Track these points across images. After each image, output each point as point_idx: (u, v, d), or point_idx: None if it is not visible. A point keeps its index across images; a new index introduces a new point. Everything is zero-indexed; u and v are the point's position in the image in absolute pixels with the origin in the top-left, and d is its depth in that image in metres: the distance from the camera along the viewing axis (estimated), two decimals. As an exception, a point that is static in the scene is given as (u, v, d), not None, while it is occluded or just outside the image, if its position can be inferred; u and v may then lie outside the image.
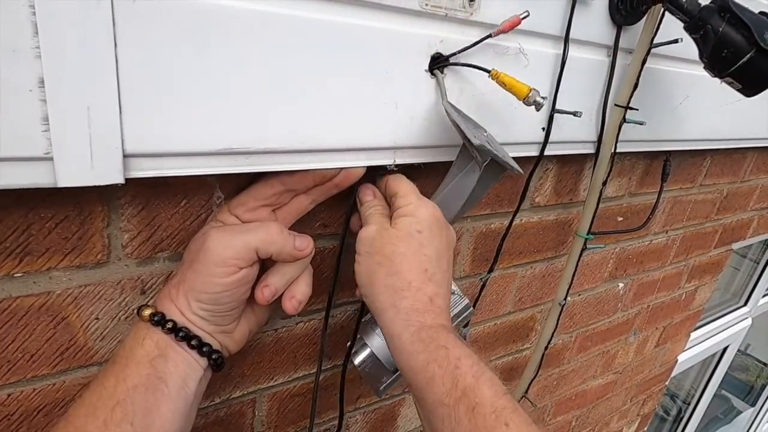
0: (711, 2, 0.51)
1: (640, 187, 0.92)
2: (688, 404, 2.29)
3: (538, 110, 0.46)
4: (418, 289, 0.44)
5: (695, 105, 0.79)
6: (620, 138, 0.68)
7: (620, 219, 0.94)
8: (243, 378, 0.59)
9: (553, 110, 0.60)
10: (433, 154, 0.53)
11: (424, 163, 0.53)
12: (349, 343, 0.58)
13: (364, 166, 0.48)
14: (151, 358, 0.40)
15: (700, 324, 1.68)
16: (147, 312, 0.42)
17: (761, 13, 0.51)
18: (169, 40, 0.35)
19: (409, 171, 0.52)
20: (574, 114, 0.60)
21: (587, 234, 0.75)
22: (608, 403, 1.36)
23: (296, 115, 0.42)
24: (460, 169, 0.49)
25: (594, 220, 0.75)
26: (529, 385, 0.89)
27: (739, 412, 3.13)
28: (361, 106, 0.46)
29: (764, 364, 3.21)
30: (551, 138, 0.62)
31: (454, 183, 0.50)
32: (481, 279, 0.74)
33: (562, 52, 0.57)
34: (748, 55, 0.49)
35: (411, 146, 0.51)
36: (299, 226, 0.50)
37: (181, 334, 0.41)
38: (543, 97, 0.45)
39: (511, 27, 0.48)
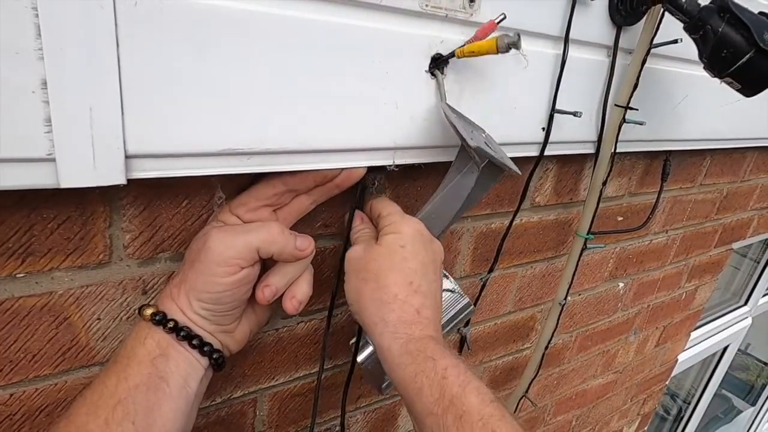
0: (710, 2, 0.51)
1: (640, 186, 0.92)
2: (689, 404, 2.29)
3: (519, 49, 0.44)
4: (404, 301, 0.45)
5: (695, 105, 0.79)
6: (620, 138, 0.68)
7: (620, 219, 0.94)
8: (244, 378, 0.59)
9: (553, 110, 0.60)
10: (433, 154, 0.53)
11: (424, 164, 0.53)
12: (352, 341, 0.58)
13: (364, 167, 0.49)
14: (153, 357, 0.40)
15: (701, 323, 1.68)
16: (148, 311, 0.42)
17: (761, 13, 0.51)
18: (171, 42, 0.35)
19: (409, 171, 0.52)
20: (574, 114, 0.60)
21: (587, 234, 0.75)
22: (608, 403, 1.36)
23: (297, 115, 0.42)
24: (459, 170, 0.50)
25: (594, 219, 0.75)
26: (530, 384, 0.89)
27: (740, 412, 3.13)
28: (362, 107, 0.46)
29: (764, 363, 3.21)
30: (551, 138, 0.62)
31: (453, 184, 0.50)
32: (481, 279, 0.74)
33: (562, 52, 0.57)
34: (748, 56, 0.49)
35: (411, 146, 0.51)
36: (300, 226, 0.50)
37: (182, 334, 0.42)
38: (515, 35, 0.43)
39: (485, 34, 0.46)
